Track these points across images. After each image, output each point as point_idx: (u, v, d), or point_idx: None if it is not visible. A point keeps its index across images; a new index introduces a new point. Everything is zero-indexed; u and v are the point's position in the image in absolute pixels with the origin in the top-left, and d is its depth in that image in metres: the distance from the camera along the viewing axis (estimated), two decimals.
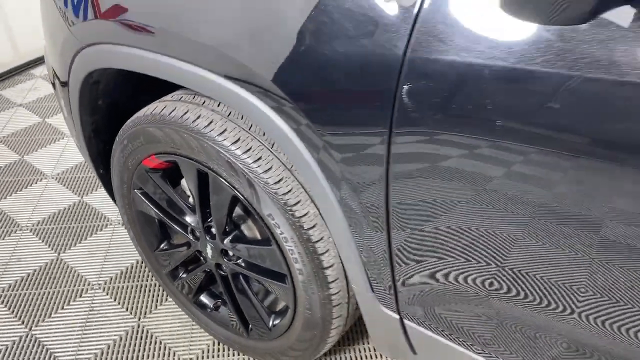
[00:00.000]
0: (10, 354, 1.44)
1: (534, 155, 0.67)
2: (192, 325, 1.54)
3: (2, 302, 1.59)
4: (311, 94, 0.85)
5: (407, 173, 0.79)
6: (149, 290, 1.64)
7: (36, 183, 2.08)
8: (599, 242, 0.69)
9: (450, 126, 0.72)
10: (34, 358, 1.43)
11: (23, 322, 1.54)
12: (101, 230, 1.85)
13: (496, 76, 0.66)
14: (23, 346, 1.47)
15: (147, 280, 1.67)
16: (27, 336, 1.50)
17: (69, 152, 2.24)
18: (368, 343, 1.46)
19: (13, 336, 1.50)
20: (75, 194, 2.01)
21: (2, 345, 1.47)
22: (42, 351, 1.45)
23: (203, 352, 1.47)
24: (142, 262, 1.70)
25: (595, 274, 0.72)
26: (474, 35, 0.67)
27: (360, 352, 1.44)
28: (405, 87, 0.74)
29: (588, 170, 0.64)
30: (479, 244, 0.80)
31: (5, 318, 1.54)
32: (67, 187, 2.05)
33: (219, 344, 1.49)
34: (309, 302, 1.14)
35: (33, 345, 1.47)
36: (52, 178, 2.11)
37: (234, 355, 1.46)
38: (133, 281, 1.67)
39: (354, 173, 0.86)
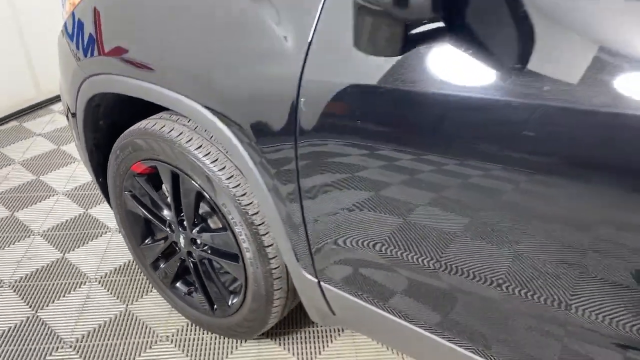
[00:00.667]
0: (18, 331, 1.74)
1: (393, 153, 0.98)
2: (171, 309, 1.83)
3: (14, 290, 1.90)
4: (245, 114, 1.18)
5: (310, 168, 1.11)
6: (137, 283, 1.94)
7: (49, 198, 2.42)
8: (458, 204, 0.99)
9: (336, 133, 1.04)
10: (39, 334, 1.73)
11: (30, 306, 1.85)
12: (101, 236, 2.17)
13: (363, 92, 0.98)
14: (29, 325, 1.77)
15: (136, 275, 1.97)
16: (33, 317, 1.80)
17: (78, 173, 2.58)
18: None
19: (21, 316, 1.80)
20: (81, 207, 2.35)
21: (11, 323, 1.77)
22: (45, 329, 1.75)
23: (178, 331, 1.76)
24: (133, 261, 2.01)
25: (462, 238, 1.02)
26: (347, 63, 1.00)
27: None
28: (302, 100, 1.06)
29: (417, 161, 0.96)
30: (370, 216, 1.10)
31: (15, 303, 1.85)
32: (74, 202, 2.38)
33: (191, 325, 1.78)
34: (255, 276, 1.44)
35: (38, 325, 1.77)
36: (63, 194, 2.45)
37: (202, 333, 1.75)
38: (124, 276, 1.97)
39: (278, 170, 1.18)
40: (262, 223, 1.36)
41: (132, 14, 1.39)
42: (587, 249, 0.84)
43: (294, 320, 1.78)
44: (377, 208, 1.08)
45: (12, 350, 1.67)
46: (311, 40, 1.03)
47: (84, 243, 2.13)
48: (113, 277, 1.97)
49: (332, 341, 1.70)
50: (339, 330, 1.73)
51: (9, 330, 1.74)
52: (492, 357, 1.08)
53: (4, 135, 3.01)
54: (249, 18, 1.13)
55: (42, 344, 1.70)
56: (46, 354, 1.67)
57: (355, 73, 0.98)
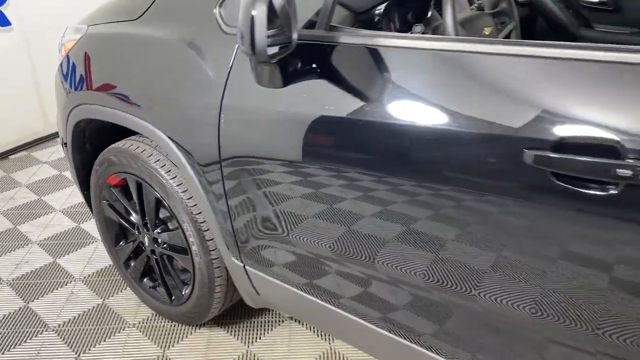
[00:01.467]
0: None
1: (285, 161, 1.34)
2: (140, 303, 2.16)
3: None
4: (185, 136, 1.55)
5: (232, 178, 1.47)
6: (117, 283, 2.28)
7: (47, 214, 2.80)
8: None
9: (248, 146, 1.40)
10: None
11: (24, 300, 2.19)
12: (88, 245, 2.53)
13: (260, 114, 1.35)
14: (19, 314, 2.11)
15: (114, 276, 2.32)
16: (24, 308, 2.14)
17: (75, 194, 2.96)
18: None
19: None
20: (74, 221, 2.72)
21: None
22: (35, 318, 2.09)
23: (143, 320, 2.09)
24: (112, 265, 2.35)
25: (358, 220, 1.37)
26: (250, 93, 1.37)
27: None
28: (222, 119, 1.43)
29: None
30: (278, 212, 1.44)
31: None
32: (68, 217, 2.75)
33: (155, 315, 2.11)
34: (200, 266, 1.78)
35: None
36: (60, 211, 2.83)
37: (163, 321, 2.07)
38: (104, 276, 2.32)
39: (209, 179, 1.54)
40: (204, 221, 1.71)
41: (114, 61, 1.79)
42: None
43: (239, 313, 2.10)
44: (283, 205, 1.43)
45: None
46: (227, 79, 1.41)
47: (74, 250, 2.49)
48: (95, 277, 2.32)
49: (271, 330, 2.02)
50: (277, 322, 2.05)
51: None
52: (398, 331, 1.37)
53: (14, 163, 3.42)
54: (189, 65, 1.52)
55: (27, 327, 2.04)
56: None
57: (254, 100, 1.36)
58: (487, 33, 1.57)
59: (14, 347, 1.97)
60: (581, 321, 1.02)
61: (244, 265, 1.65)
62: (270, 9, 1.10)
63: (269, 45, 1.13)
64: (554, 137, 0.94)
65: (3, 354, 1.94)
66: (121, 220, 2.03)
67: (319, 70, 1.27)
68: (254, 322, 2.06)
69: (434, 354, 1.30)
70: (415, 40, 1.18)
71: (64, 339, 2.00)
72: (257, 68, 1.27)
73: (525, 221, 1.03)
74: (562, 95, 0.98)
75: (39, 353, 1.95)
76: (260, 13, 1.06)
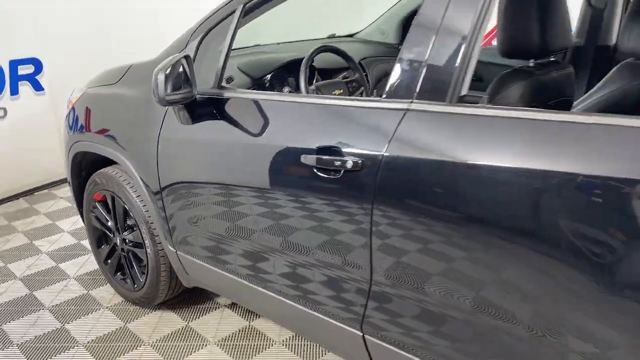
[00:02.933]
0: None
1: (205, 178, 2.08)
2: (114, 293, 2.85)
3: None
4: (140, 165, 2.30)
5: (166, 188, 2.20)
6: (120, 349, 2.98)
7: (58, 233, 3.56)
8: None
9: (174, 159, 2.14)
10: None
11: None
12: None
13: (178, 143, 2.09)
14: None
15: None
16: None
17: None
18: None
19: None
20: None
21: None
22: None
23: (117, 304, 2.77)
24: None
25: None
26: (174, 129, 2.12)
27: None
28: (160, 142, 2.18)
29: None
30: (199, 210, 2.15)
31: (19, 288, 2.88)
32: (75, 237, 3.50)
33: (125, 301, 2.79)
34: (150, 256, 2.48)
35: None
36: (67, 232, 3.58)
37: (130, 305, 2.75)
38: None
39: (152, 190, 2.27)
40: (152, 223, 2.43)
41: (102, 112, 2.59)
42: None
43: (184, 301, 2.76)
44: (199, 206, 2.13)
45: None
46: (163, 119, 2.18)
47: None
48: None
49: (209, 312, 2.67)
50: (215, 308, 2.70)
51: None
52: (308, 304, 1.89)
53: (38, 198, 4.24)
54: (145, 114, 2.28)
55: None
56: None
57: (176, 132, 2.11)
58: (337, 94, 2.31)
59: None
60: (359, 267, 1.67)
61: (176, 251, 2.35)
62: (178, 75, 1.87)
63: (177, 101, 1.89)
64: (314, 147, 1.65)
65: None
66: (103, 228, 2.76)
67: (212, 113, 2.02)
68: (196, 309, 2.72)
69: (329, 318, 1.82)
70: (271, 95, 1.93)
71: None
72: (176, 111, 2.04)
73: (307, 198, 1.72)
74: (318, 125, 1.70)
75: None
76: (161, 78, 1.82)
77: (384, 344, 1.67)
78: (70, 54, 4.18)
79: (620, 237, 1.15)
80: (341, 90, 2.33)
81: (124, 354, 2.41)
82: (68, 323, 2.64)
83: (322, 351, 2.37)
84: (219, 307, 2.73)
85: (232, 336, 2.51)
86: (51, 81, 4.22)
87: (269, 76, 2.37)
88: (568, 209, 1.22)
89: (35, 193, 4.34)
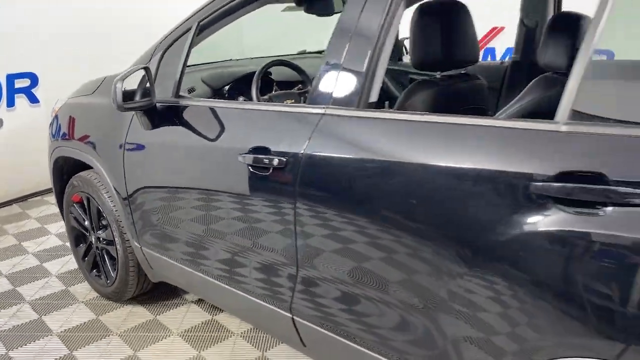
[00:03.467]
0: None
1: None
2: (91, 289, 3.06)
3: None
4: (110, 169, 2.53)
5: (133, 193, 2.42)
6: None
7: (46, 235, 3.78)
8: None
9: (138, 167, 2.36)
10: None
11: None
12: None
13: (142, 147, 2.32)
14: None
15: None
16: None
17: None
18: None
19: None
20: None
21: None
22: None
23: (92, 298, 2.98)
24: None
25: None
26: (140, 135, 2.35)
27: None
28: (126, 147, 2.41)
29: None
30: (159, 210, 2.37)
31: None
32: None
33: (99, 296, 3.00)
34: (120, 252, 2.69)
35: None
36: (55, 235, 3.80)
37: (104, 300, 2.95)
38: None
39: (122, 196, 2.49)
40: (121, 221, 2.64)
41: (81, 122, 2.81)
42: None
43: (153, 298, 2.96)
44: (161, 204, 2.35)
45: None
46: (129, 125, 2.41)
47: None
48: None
49: (176, 307, 2.87)
50: (182, 303, 2.90)
51: None
52: (247, 290, 2.11)
53: (31, 204, 4.48)
54: (115, 121, 2.50)
55: None
56: None
57: (139, 136, 2.33)
58: (288, 103, 2.53)
59: None
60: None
61: (141, 247, 2.56)
62: (139, 85, 2.10)
63: (134, 108, 2.12)
64: (251, 147, 1.86)
65: None
66: (79, 227, 2.98)
67: (169, 119, 2.24)
68: (164, 305, 2.91)
69: (264, 302, 2.02)
70: (220, 103, 2.15)
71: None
72: (139, 118, 2.27)
73: (245, 194, 1.93)
74: (256, 128, 1.91)
75: None
76: (119, 86, 2.06)
77: (310, 324, 1.86)
78: (65, 68, 4.44)
79: (487, 224, 1.34)
80: (293, 100, 2.55)
81: (92, 342, 2.60)
82: (45, 315, 2.85)
83: (275, 342, 2.55)
84: (185, 303, 2.93)
85: (194, 328, 2.70)
86: (46, 94, 4.48)
87: (227, 87, 2.59)
88: (450, 198, 1.41)
89: (29, 199, 4.58)
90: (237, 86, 2.59)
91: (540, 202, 1.24)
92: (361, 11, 1.66)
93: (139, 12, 4.77)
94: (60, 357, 2.51)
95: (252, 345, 2.55)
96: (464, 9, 1.81)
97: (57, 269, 3.36)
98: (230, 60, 3.22)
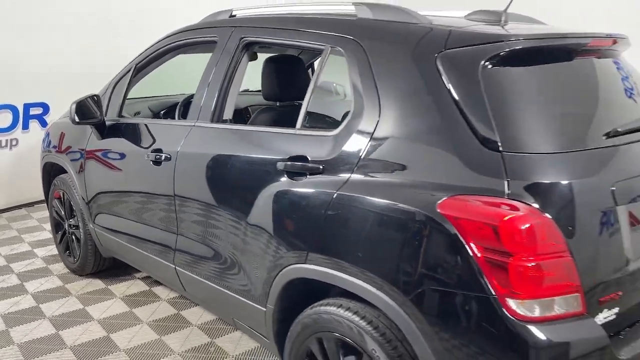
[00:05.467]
0: None
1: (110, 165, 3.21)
2: (64, 266, 3.94)
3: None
4: (75, 169, 3.45)
5: (89, 186, 3.33)
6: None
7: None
8: None
9: (93, 159, 3.28)
10: None
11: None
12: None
13: (95, 152, 3.24)
14: None
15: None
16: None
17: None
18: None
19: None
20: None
21: None
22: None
23: (64, 273, 3.85)
24: None
25: None
26: (94, 140, 3.27)
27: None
28: (85, 157, 3.33)
29: None
30: (108, 193, 3.27)
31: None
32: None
33: (69, 272, 3.87)
34: (83, 232, 3.57)
35: None
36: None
37: (72, 274, 3.82)
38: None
39: (81, 190, 3.40)
40: (82, 210, 3.54)
41: (60, 136, 3.75)
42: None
43: (109, 275, 3.82)
44: (107, 193, 3.25)
45: None
46: (89, 137, 3.33)
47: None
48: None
49: (126, 281, 3.72)
50: (133, 279, 3.74)
51: None
52: (153, 253, 3.06)
53: (36, 208, 5.43)
54: (78, 136, 3.43)
55: None
56: None
57: (94, 144, 3.25)
58: None
59: None
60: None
61: (94, 227, 3.44)
62: (88, 105, 3.03)
63: (85, 123, 3.05)
64: (154, 148, 2.74)
65: None
66: (58, 218, 3.89)
67: (112, 132, 3.15)
68: (123, 280, 3.77)
69: (159, 258, 2.92)
70: (145, 120, 3.05)
71: None
72: (93, 131, 3.20)
73: (150, 181, 2.80)
74: (160, 136, 2.80)
75: None
76: (73, 107, 2.98)
77: (184, 271, 2.68)
78: (71, 99, 5.45)
79: (260, 186, 2.17)
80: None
81: (56, 300, 3.47)
82: (25, 282, 3.73)
83: (231, 329, 3.34)
84: (133, 278, 3.77)
85: (136, 294, 3.54)
86: (55, 120, 5.49)
87: (162, 112, 3.51)
88: (243, 172, 2.26)
89: (35, 205, 5.54)
90: (169, 111, 3.50)
91: (279, 174, 2.08)
92: (217, 63, 2.55)
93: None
94: (30, 307, 3.38)
95: (173, 306, 3.37)
96: (296, 60, 2.68)
97: (43, 253, 4.26)
98: (183, 94, 4.14)
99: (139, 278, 3.78)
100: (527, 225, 1.49)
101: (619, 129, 1.73)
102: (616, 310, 1.67)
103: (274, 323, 2.19)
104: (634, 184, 1.70)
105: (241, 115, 3.24)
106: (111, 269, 3.81)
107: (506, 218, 1.50)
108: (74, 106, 3.00)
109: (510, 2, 2.07)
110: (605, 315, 1.64)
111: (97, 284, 3.71)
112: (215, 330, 3.09)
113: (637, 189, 1.71)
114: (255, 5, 2.68)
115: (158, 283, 3.65)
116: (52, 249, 4.30)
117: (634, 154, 1.77)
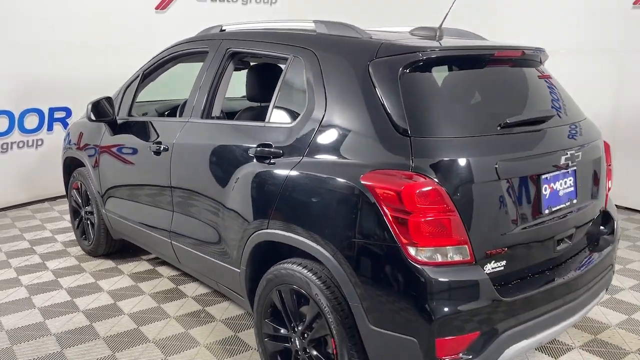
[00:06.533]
0: None
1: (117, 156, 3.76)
2: (80, 250, 4.48)
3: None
4: (90, 162, 4.00)
5: (102, 173, 3.87)
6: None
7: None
8: None
9: (106, 153, 3.82)
10: None
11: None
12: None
13: (110, 147, 3.77)
14: None
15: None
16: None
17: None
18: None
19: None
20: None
21: None
22: None
23: (80, 255, 4.39)
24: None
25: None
26: (108, 136, 3.81)
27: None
28: (100, 148, 3.87)
29: None
30: (117, 181, 3.80)
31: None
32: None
33: (84, 253, 4.41)
34: (96, 217, 4.11)
35: None
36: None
37: (86, 255, 4.36)
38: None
39: (95, 179, 3.94)
40: (96, 197, 4.07)
41: (78, 134, 4.30)
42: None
43: (120, 257, 4.34)
44: (117, 182, 3.78)
45: None
46: (104, 133, 3.88)
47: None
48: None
49: (134, 262, 4.23)
50: (139, 260, 4.26)
51: None
52: (154, 230, 3.57)
53: (58, 202, 6.00)
54: (94, 133, 3.97)
55: None
56: None
57: (108, 140, 3.79)
58: None
59: None
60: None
61: (105, 212, 3.97)
62: (102, 105, 3.57)
63: (99, 121, 3.59)
64: (155, 140, 3.26)
65: None
66: (76, 205, 4.43)
67: (122, 128, 3.68)
68: (130, 261, 4.29)
69: (157, 234, 3.44)
70: (149, 119, 3.58)
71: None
72: (106, 128, 3.74)
73: (153, 168, 3.32)
74: (161, 130, 3.32)
75: None
76: (89, 107, 3.52)
77: (180, 244, 3.19)
78: None
79: (234, 168, 2.66)
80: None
81: (72, 275, 4.00)
82: (46, 261, 4.27)
83: (220, 300, 3.85)
84: (140, 261, 4.29)
85: (141, 272, 4.05)
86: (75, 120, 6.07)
87: (167, 112, 4.04)
88: (222, 157, 2.76)
89: (57, 199, 6.12)
90: (172, 111, 4.02)
91: (251, 158, 2.57)
92: (207, 69, 3.07)
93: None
94: (50, 280, 3.91)
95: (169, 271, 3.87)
96: (274, 68, 3.18)
97: (62, 238, 4.80)
98: (174, 99, 4.65)
99: (145, 260, 4.29)
100: (421, 191, 1.95)
101: (508, 121, 2.18)
102: (503, 263, 2.11)
103: (246, 282, 2.67)
104: (515, 163, 2.15)
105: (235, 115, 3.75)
106: (121, 251, 4.33)
107: (406, 186, 1.97)
108: (90, 106, 3.54)
109: (443, 20, 2.55)
110: (493, 266, 2.09)
111: (108, 263, 4.23)
112: (207, 300, 3.58)
113: (516, 167, 2.16)
114: (242, 22, 3.20)
115: (162, 263, 4.16)
116: (71, 235, 4.84)
117: (518, 140, 2.23)
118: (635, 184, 5.66)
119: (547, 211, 2.27)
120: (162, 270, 4.08)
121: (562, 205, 2.34)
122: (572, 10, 6.01)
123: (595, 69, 5.83)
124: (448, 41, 2.55)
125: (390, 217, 1.99)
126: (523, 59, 2.55)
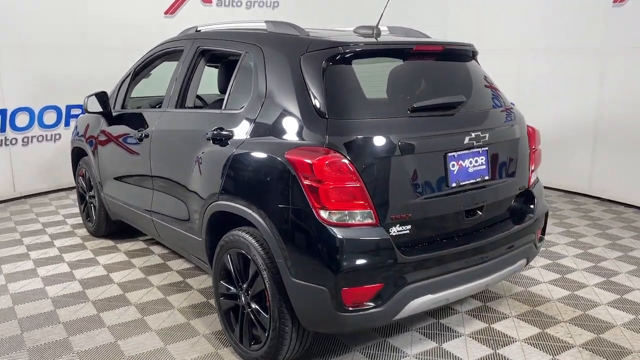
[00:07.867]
0: None
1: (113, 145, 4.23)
2: (85, 231, 4.97)
3: None
4: (91, 150, 4.47)
5: (97, 157, 4.34)
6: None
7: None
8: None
9: (103, 148, 4.29)
10: None
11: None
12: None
13: (106, 136, 4.24)
14: None
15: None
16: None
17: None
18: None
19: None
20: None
21: None
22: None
23: (85, 235, 4.88)
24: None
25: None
26: (108, 124, 4.27)
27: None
28: (98, 135, 4.34)
29: None
30: (111, 167, 4.26)
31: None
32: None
33: (88, 234, 4.89)
34: (98, 200, 4.58)
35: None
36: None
37: (90, 236, 4.84)
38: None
39: (94, 165, 4.41)
40: (98, 182, 4.54)
41: (84, 125, 4.78)
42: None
43: (119, 237, 4.80)
44: (112, 166, 4.24)
45: None
46: (102, 124, 4.35)
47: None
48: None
49: (132, 241, 4.69)
50: (136, 240, 4.71)
51: None
52: (139, 209, 4.01)
53: (74, 192, 6.54)
54: (94, 124, 4.45)
55: None
56: None
57: (104, 133, 4.26)
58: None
59: None
60: None
61: (103, 195, 4.43)
62: (96, 98, 4.03)
63: (95, 112, 4.06)
64: (139, 129, 3.70)
65: None
66: (82, 190, 4.92)
67: (116, 119, 4.13)
68: (129, 242, 4.75)
69: (140, 212, 3.91)
70: (139, 110, 4.02)
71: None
72: (103, 119, 4.20)
73: (138, 151, 3.76)
74: (148, 120, 3.76)
75: None
76: (85, 100, 3.99)
77: (158, 220, 3.61)
78: None
79: (194, 150, 3.07)
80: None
81: (74, 252, 4.48)
82: (54, 240, 4.77)
83: (200, 273, 4.27)
84: (137, 241, 4.74)
85: (136, 250, 4.50)
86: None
87: (157, 106, 4.49)
88: (183, 141, 3.17)
89: (74, 189, 6.65)
90: (161, 104, 4.47)
91: (207, 141, 2.97)
92: (181, 65, 3.49)
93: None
94: (55, 255, 4.40)
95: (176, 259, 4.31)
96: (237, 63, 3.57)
97: (71, 222, 5.31)
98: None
99: (141, 240, 4.75)
100: (329, 162, 2.31)
101: (415, 106, 2.52)
102: (408, 227, 2.45)
103: (206, 249, 3.07)
104: (418, 141, 2.48)
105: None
106: (120, 233, 4.79)
107: (316, 159, 2.33)
108: (86, 100, 4.00)
109: (380, 19, 2.90)
110: (399, 229, 2.43)
111: (108, 242, 4.70)
112: (189, 274, 4.00)
113: (420, 145, 2.48)
114: (214, 23, 3.61)
115: (155, 243, 4.60)
116: (79, 219, 5.34)
117: (426, 122, 2.56)
118: (616, 178, 5.85)
119: (454, 184, 2.59)
120: (155, 248, 4.52)
121: (471, 180, 2.66)
122: (553, 8, 6.24)
123: (577, 67, 6.04)
124: (383, 38, 2.90)
125: (305, 185, 2.36)
126: (448, 53, 2.87)
